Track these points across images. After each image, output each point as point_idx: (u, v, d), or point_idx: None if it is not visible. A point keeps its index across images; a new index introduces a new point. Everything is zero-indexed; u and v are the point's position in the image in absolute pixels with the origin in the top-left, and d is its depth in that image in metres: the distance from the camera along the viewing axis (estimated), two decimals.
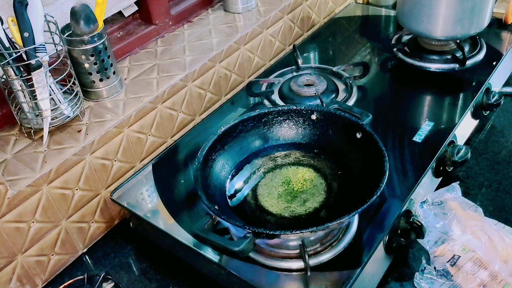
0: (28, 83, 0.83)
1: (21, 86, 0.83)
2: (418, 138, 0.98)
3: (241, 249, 0.69)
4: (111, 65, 0.95)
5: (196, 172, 0.79)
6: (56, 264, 0.89)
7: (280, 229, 0.72)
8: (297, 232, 0.70)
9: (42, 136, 0.86)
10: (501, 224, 0.87)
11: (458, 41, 1.19)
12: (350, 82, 1.14)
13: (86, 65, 0.92)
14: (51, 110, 0.86)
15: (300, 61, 1.22)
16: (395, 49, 1.25)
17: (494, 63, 1.18)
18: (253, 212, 0.83)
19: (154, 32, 1.14)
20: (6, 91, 0.85)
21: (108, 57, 0.94)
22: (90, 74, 0.93)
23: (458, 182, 0.92)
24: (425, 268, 0.81)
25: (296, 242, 0.77)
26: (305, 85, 1.12)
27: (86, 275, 0.85)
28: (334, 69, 1.19)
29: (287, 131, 0.94)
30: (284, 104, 1.09)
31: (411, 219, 0.82)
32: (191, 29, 1.19)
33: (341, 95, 1.12)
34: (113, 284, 0.84)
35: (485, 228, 0.84)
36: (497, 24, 1.32)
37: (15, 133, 0.89)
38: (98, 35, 0.90)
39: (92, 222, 0.93)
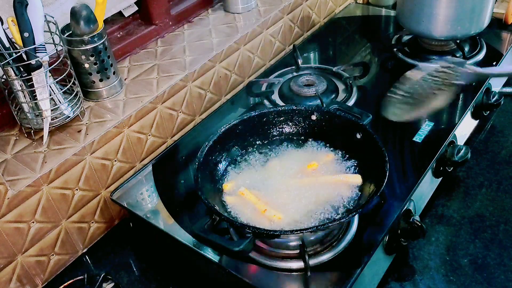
0: (28, 83, 0.83)
1: (21, 86, 0.83)
2: (418, 138, 0.98)
3: (241, 249, 0.69)
4: (111, 65, 0.95)
5: (196, 172, 0.79)
6: (56, 264, 0.89)
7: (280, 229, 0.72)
8: (297, 232, 0.70)
9: (42, 136, 0.86)
10: None
11: (458, 41, 1.19)
12: (350, 82, 1.14)
13: (86, 65, 0.92)
14: (51, 110, 0.86)
15: (300, 61, 1.22)
16: (395, 49, 1.25)
17: (494, 63, 1.18)
18: None
19: (154, 32, 1.14)
20: (6, 91, 0.85)
21: (108, 57, 0.94)
22: (90, 74, 0.93)
23: None
24: None
25: (296, 242, 0.77)
26: (305, 85, 1.12)
27: (86, 275, 0.85)
28: (334, 69, 1.19)
29: (287, 131, 0.94)
30: (284, 104, 1.09)
31: (411, 219, 0.82)
32: (191, 29, 1.19)
33: (341, 95, 1.12)
34: (113, 284, 0.84)
35: None
36: (497, 24, 1.32)
37: (15, 133, 0.89)
38: (98, 35, 0.90)
39: (92, 222, 0.93)
